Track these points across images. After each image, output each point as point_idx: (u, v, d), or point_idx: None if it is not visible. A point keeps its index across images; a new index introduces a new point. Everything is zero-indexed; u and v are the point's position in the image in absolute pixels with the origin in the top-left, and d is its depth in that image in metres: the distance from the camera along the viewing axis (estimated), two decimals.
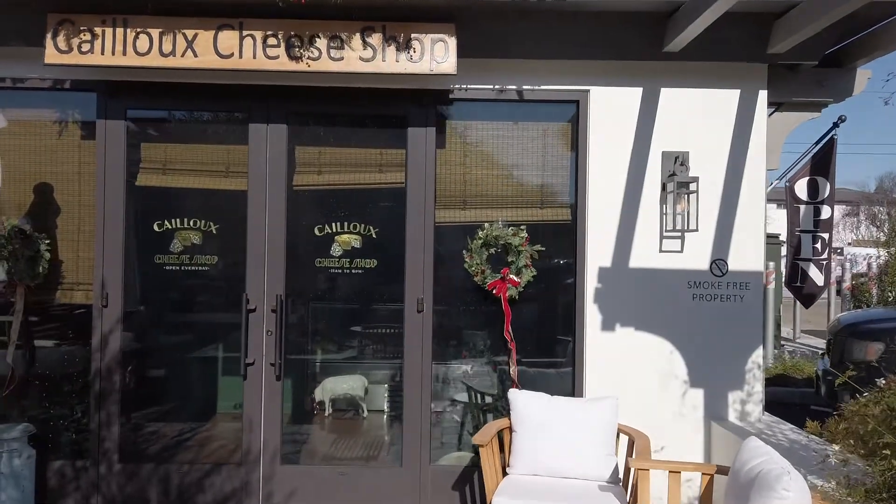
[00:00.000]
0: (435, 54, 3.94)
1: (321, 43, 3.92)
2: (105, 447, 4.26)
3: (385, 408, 4.66)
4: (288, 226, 4.29)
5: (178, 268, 4.36)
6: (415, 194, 4.29)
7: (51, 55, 3.87)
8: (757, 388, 4.31)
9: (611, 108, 4.30)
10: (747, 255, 4.31)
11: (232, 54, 3.91)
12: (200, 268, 4.37)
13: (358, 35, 3.93)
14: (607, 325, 4.30)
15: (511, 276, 4.26)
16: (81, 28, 3.87)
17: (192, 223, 4.35)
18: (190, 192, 4.45)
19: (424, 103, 4.28)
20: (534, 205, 4.44)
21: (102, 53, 3.87)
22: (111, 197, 4.25)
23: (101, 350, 4.26)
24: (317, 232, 4.38)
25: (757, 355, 4.30)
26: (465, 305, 4.47)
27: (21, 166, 4.37)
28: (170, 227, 4.35)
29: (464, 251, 4.34)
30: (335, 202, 4.44)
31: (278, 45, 3.91)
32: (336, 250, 4.37)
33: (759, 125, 4.32)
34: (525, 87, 4.31)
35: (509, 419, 3.91)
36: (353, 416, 4.67)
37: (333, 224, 4.37)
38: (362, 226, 4.38)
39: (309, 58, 3.91)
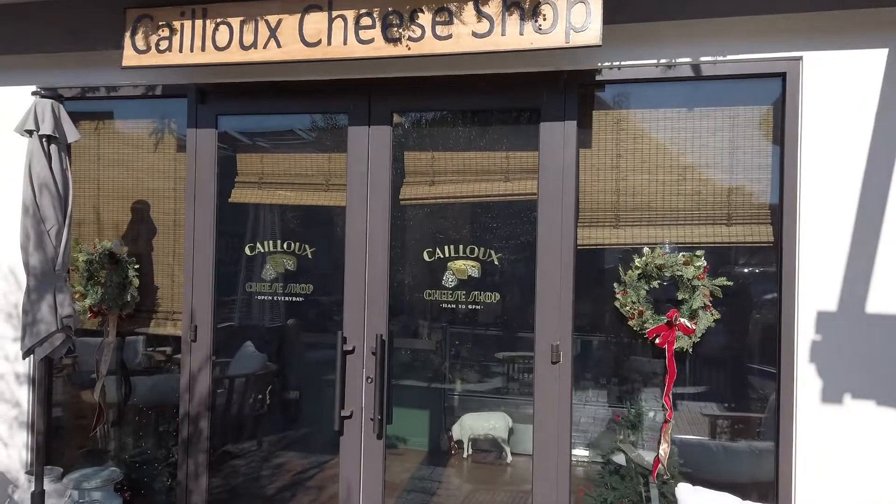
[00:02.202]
0: (572, 21, 2.90)
1: (424, 18, 3.06)
2: (192, 501, 3.74)
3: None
4: (392, 249, 3.48)
5: (270, 298, 3.74)
6: (550, 209, 3.27)
7: (129, 57, 3.41)
8: None
9: (835, 80, 2.96)
10: None
11: (319, 41, 3.18)
12: (294, 298, 3.70)
13: (471, 4, 3.01)
14: (831, 395, 2.95)
15: (682, 320, 3.08)
16: (160, 23, 3.37)
17: (285, 246, 3.71)
18: (286, 209, 3.82)
19: (562, 89, 3.25)
20: (716, 221, 3.21)
21: (181, 51, 3.34)
22: (201, 216, 3.73)
23: (190, 391, 3.74)
24: (426, 257, 3.52)
25: None
26: (616, 357, 3.36)
27: (119, 183, 4.01)
28: (262, 250, 3.74)
29: (615, 284, 3.23)
30: (449, 219, 3.56)
31: (373, 26, 3.12)
32: (449, 280, 3.48)
33: None
34: (704, 59, 3.11)
35: None
36: (495, 458, 3.84)
37: (447, 247, 3.49)
38: (482, 249, 3.45)
39: (409, 38, 3.07)
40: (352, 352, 3.51)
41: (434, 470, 3.97)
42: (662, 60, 3.15)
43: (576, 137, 3.26)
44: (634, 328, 3.16)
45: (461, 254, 3.46)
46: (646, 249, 3.17)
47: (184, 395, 3.75)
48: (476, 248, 3.44)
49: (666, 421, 3.15)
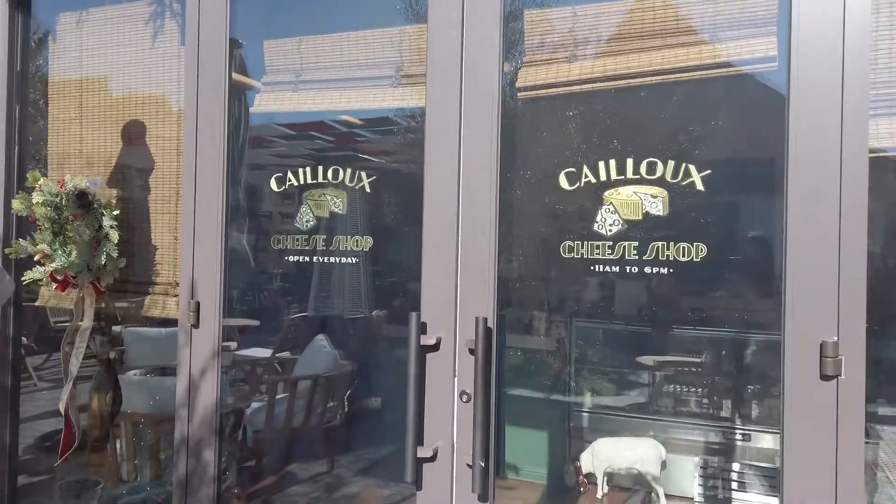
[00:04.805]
0: None
1: None
2: None
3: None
4: (503, 173, 1.99)
5: (308, 258, 2.36)
6: (807, 88, 1.68)
7: None
8: None
9: None
10: None
11: None
12: (343, 258, 2.30)
13: None
14: None
15: None
16: None
17: (330, 175, 2.31)
18: (335, 118, 2.44)
19: None
20: None
21: None
22: (207, 136, 2.40)
23: (189, 403, 2.44)
24: (565, 183, 2.00)
25: None
26: None
27: (102, 97, 2.78)
28: (295, 183, 2.36)
29: None
30: (605, 118, 2.04)
31: None
32: (608, 222, 1.95)
33: None
34: None
35: None
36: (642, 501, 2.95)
37: (603, 165, 1.96)
38: (671, 166, 1.88)
39: None
40: (434, 347, 2.06)
41: None
42: None
43: None
44: None
45: (630, 175, 1.91)
46: None
47: (180, 409, 2.44)
48: (659, 165, 1.89)
49: None
